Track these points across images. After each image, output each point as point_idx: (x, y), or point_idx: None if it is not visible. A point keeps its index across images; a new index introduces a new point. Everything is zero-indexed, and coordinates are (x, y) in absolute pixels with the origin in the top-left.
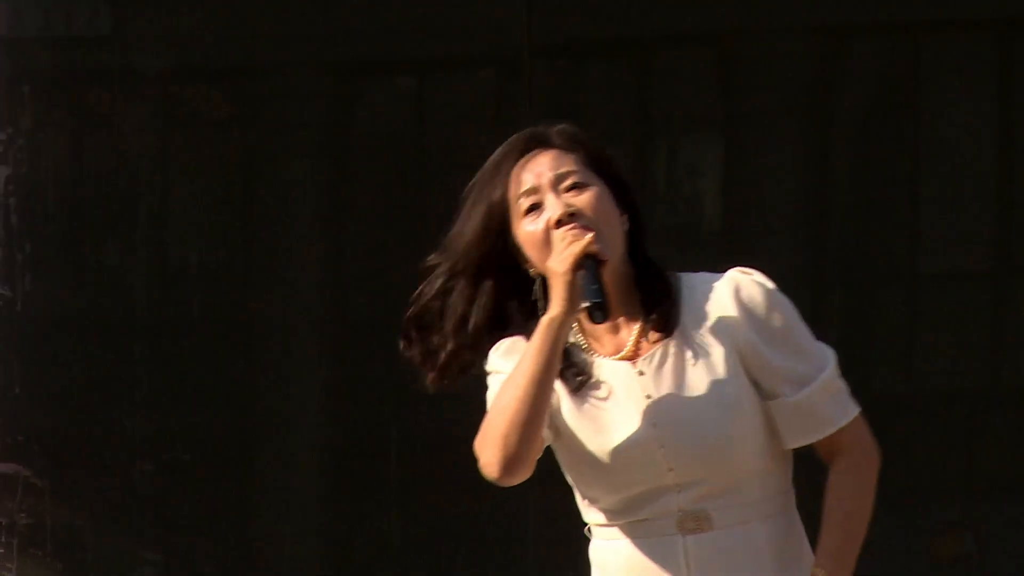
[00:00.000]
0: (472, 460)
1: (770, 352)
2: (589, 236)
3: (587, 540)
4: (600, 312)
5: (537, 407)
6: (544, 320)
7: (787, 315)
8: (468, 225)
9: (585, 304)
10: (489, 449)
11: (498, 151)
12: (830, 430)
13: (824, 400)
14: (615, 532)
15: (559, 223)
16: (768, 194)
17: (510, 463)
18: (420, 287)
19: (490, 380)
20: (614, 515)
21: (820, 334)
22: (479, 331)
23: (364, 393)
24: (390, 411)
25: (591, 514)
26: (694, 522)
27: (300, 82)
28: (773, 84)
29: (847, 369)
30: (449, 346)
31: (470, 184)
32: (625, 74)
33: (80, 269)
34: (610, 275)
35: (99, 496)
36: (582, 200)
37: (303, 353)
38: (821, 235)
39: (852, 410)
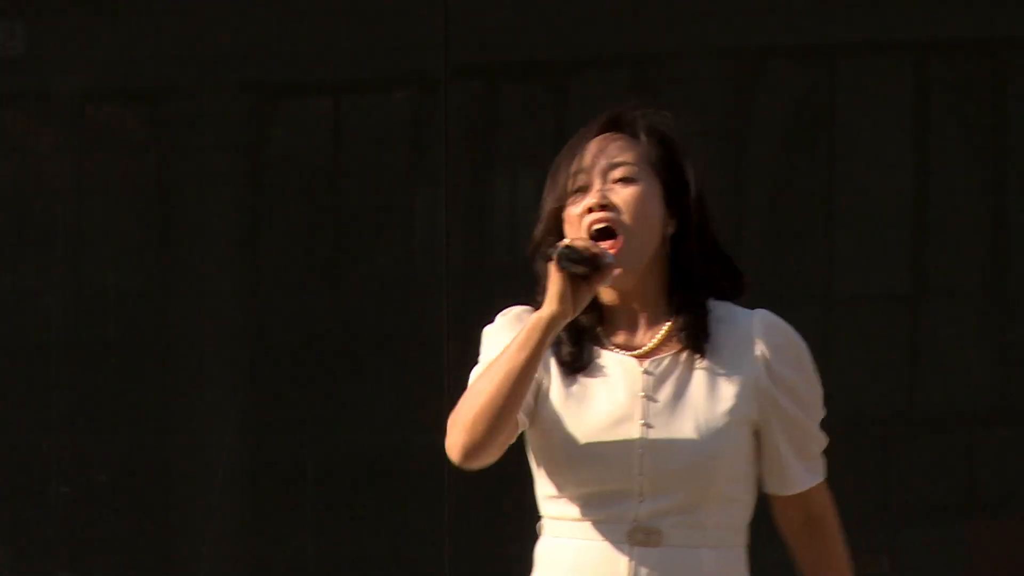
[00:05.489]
0: (387, 480)
1: (792, 393)
2: (566, 241)
3: (531, 542)
4: (568, 259)
5: (511, 401)
6: (535, 316)
7: (810, 366)
8: (547, 191)
9: (554, 257)
10: (456, 432)
11: (588, 123)
12: (822, 477)
13: (819, 451)
14: (567, 529)
15: (590, 210)
16: None
17: (472, 450)
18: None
19: (483, 347)
20: (571, 510)
21: None
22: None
23: (281, 416)
24: (307, 434)
25: (549, 505)
26: (644, 535)
27: (216, 104)
28: (688, 106)
29: None
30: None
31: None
32: (542, 96)
33: None
34: (629, 276)
35: (14, 518)
36: (621, 195)
37: (220, 376)
38: (735, 257)
39: (823, 472)
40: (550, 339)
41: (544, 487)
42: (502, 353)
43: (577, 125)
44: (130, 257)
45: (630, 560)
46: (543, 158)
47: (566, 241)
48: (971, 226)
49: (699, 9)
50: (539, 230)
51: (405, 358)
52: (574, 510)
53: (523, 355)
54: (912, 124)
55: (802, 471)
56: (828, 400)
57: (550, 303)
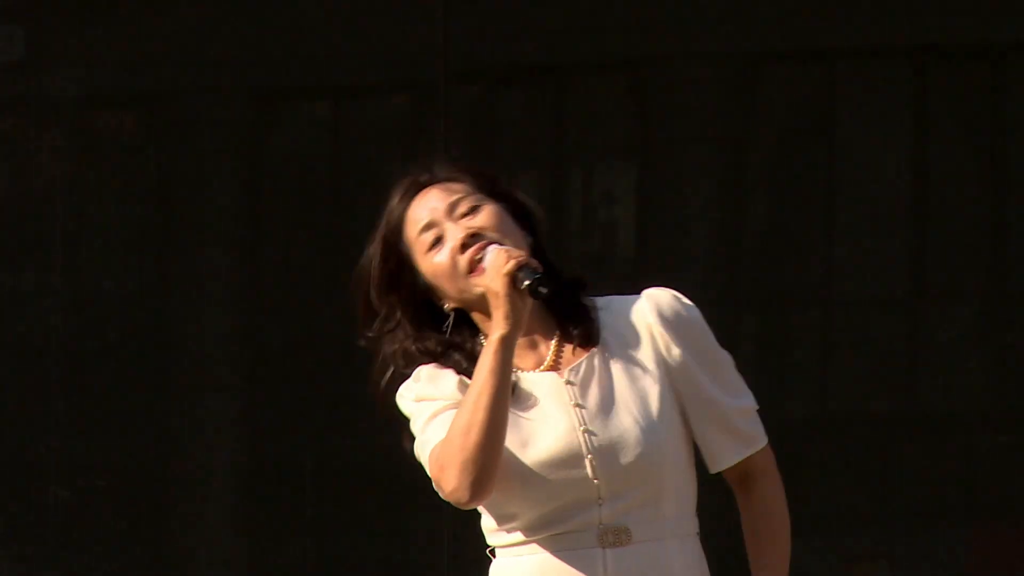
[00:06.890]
0: (386, 484)
1: (699, 368)
2: (518, 253)
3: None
4: (542, 284)
5: (498, 426)
6: (493, 340)
7: (708, 333)
8: (377, 273)
9: (527, 282)
10: (456, 476)
11: (390, 200)
12: (757, 447)
13: (747, 419)
14: (530, 548)
15: (464, 247)
16: (683, 221)
17: (479, 485)
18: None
19: (416, 407)
20: (532, 531)
21: (735, 360)
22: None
23: (279, 418)
24: (305, 437)
25: (503, 536)
26: (614, 536)
27: (215, 108)
28: (688, 111)
29: (760, 394)
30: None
31: (370, 236)
32: (541, 101)
33: None
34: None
35: (12, 522)
36: (480, 219)
37: (218, 379)
38: (736, 261)
39: (765, 436)
40: (512, 357)
41: (499, 516)
42: (472, 388)
43: (575, 129)
44: (129, 261)
45: (603, 564)
46: (542, 162)
47: (528, 270)
48: (970, 229)
49: (697, 14)
50: (386, 302)
51: None
52: (536, 529)
53: (495, 379)
54: (911, 128)
55: (728, 446)
56: (827, 402)
57: (500, 324)
